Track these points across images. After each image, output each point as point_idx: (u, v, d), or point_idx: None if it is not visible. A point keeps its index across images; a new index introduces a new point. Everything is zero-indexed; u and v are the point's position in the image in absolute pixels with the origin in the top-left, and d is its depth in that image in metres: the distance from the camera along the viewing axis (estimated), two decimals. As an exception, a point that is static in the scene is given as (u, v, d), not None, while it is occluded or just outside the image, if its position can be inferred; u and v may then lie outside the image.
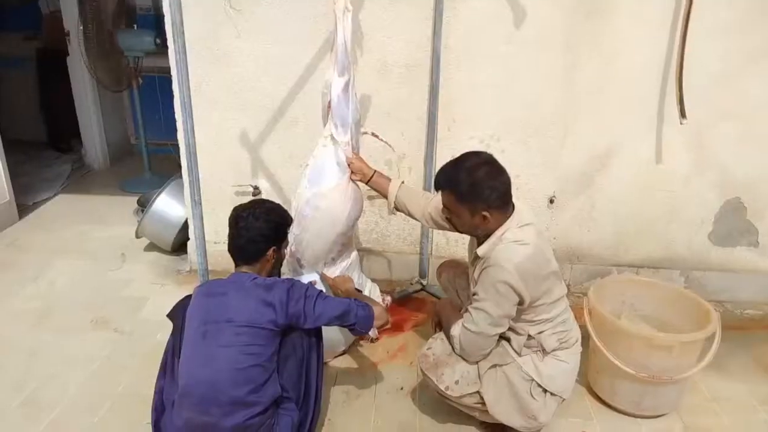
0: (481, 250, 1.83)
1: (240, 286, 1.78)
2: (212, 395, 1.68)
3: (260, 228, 1.83)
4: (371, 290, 2.53)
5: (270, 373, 1.75)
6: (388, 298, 2.64)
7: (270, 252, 1.86)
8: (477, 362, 1.90)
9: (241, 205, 1.91)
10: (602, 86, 2.62)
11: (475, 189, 1.76)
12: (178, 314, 1.94)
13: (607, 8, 2.50)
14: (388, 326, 2.31)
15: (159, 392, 1.89)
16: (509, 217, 1.82)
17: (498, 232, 1.81)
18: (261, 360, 1.72)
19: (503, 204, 1.80)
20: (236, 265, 1.87)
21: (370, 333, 2.49)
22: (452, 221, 1.90)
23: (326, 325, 1.88)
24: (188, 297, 1.96)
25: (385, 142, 2.38)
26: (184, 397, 1.72)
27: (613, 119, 2.67)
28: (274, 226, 1.87)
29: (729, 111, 2.63)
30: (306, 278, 2.28)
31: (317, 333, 1.93)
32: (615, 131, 2.69)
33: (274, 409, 1.77)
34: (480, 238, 1.88)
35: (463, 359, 1.90)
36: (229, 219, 1.87)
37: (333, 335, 2.33)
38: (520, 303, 1.79)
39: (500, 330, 1.83)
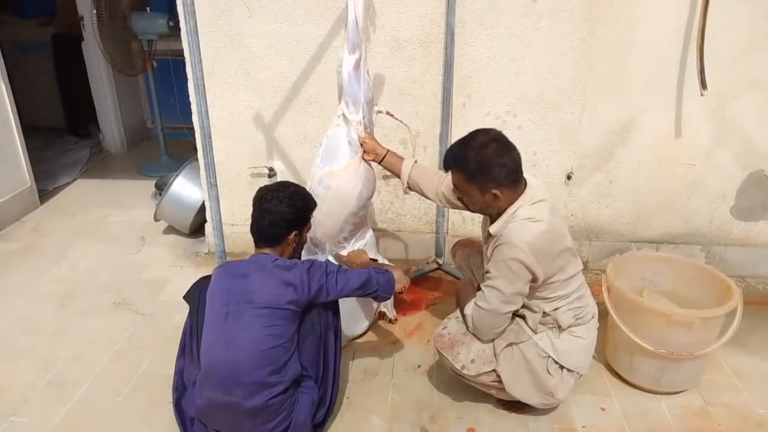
0: (493, 228, 1.82)
1: (261, 267, 1.79)
2: (234, 376, 1.70)
3: (283, 212, 1.83)
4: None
5: (291, 353, 1.77)
6: (407, 279, 2.62)
7: (291, 236, 1.87)
8: (492, 341, 1.89)
9: (266, 186, 1.91)
10: (621, 58, 2.56)
11: (483, 167, 1.74)
12: (194, 296, 1.97)
13: (625, -23, 2.43)
14: (404, 290, 2.30)
15: (179, 372, 1.93)
16: (521, 194, 1.80)
17: (510, 210, 1.79)
18: (282, 341, 1.74)
19: (514, 181, 1.78)
20: (257, 246, 1.88)
21: (388, 313, 2.50)
22: (463, 200, 1.89)
23: (349, 296, 1.90)
24: (205, 278, 1.99)
25: (400, 121, 2.36)
26: (206, 377, 1.75)
27: (632, 92, 2.62)
28: (296, 210, 1.87)
29: (751, 81, 2.56)
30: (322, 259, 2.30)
31: (335, 311, 1.94)
32: (634, 104, 2.64)
33: (295, 388, 1.80)
34: (493, 217, 1.87)
35: (477, 338, 1.90)
36: (254, 200, 1.88)
37: (353, 319, 2.35)
38: (534, 280, 1.78)
39: (513, 308, 1.83)
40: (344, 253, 2.27)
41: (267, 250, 1.86)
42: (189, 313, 1.98)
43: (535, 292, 1.83)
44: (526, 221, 1.75)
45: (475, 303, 1.85)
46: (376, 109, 2.31)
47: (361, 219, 2.31)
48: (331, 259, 2.27)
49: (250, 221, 1.88)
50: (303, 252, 2.32)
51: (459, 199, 1.91)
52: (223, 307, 1.76)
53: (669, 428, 1.98)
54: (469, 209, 1.92)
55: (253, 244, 1.90)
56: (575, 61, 2.56)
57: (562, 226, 1.86)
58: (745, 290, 2.66)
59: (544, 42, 2.54)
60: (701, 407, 2.07)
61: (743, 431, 1.97)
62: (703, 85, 2.47)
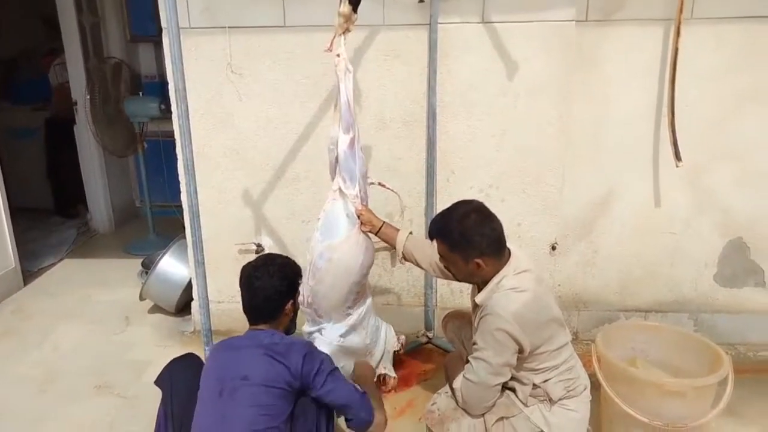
0: (478, 298, 1.83)
1: (257, 344, 1.77)
2: None
3: (276, 285, 1.82)
4: (388, 330, 2.57)
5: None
6: (403, 337, 2.65)
7: (288, 306, 1.87)
8: (482, 415, 1.85)
9: (250, 264, 1.89)
10: (597, 133, 2.68)
11: (465, 237, 1.78)
12: (166, 380, 1.93)
13: (595, 58, 2.58)
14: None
15: None
16: (505, 263, 1.83)
17: (495, 279, 1.81)
18: (277, 422, 1.69)
19: (496, 251, 1.80)
20: (252, 323, 1.85)
21: (389, 373, 2.55)
22: (450, 270, 1.91)
23: (327, 404, 1.83)
24: (175, 360, 1.99)
25: (391, 190, 2.44)
26: None
27: (610, 165, 2.72)
28: (289, 281, 1.87)
29: (724, 152, 2.67)
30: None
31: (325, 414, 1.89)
32: (613, 176, 2.73)
33: None
34: (479, 286, 1.88)
35: (468, 413, 1.86)
36: (242, 279, 1.86)
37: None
38: (521, 351, 1.76)
39: (502, 379, 1.80)
40: (347, 321, 2.30)
41: (262, 326, 1.84)
42: (162, 399, 1.91)
43: (523, 363, 1.82)
44: (510, 291, 1.77)
45: (464, 376, 1.82)
46: (368, 180, 2.40)
47: (362, 287, 2.36)
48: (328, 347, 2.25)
49: (238, 298, 1.87)
50: (306, 321, 2.36)
51: (446, 268, 1.93)
52: (218, 383, 1.73)
53: (671, 506, 1.91)
54: (456, 279, 1.93)
55: (241, 322, 1.88)
56: (554, 136, 2.67)
57: (548, 296, 1.87)
58: (735, 358, 2.64)
59: (522, 119, 2.65)
60: (702, 482, 2.01)
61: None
62: (677, 156, 2.57)
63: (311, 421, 1.81)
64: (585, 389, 1.91)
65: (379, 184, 2.46)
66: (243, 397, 1.69)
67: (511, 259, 1.84)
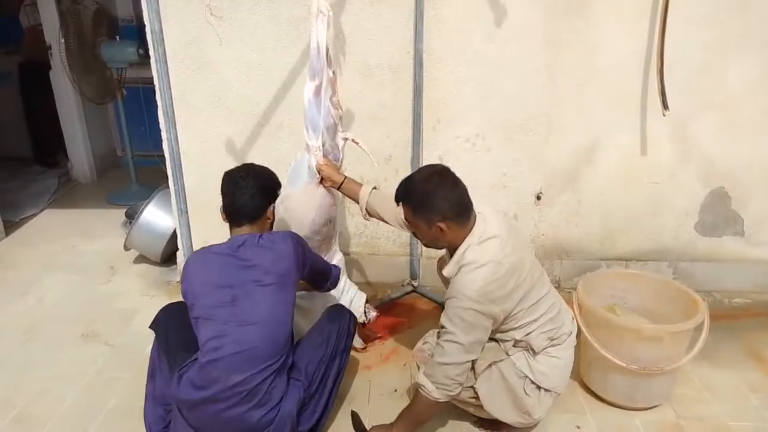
0: (446, 271, 1.84)
1: (253, 244, 1.84)
2: (252, 354, 1.75)
3: (261, 185, 1.91)
4: (356, 298, 2.46)
5: (291, 324, 1.88)
6: (373, 314, 2.50)
7: (270, 209, 1.94)
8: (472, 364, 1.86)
9: (233, 169, 1.96)
10: (584, 81, 2.64)
11: (427, 199, 1.78)
12: (160, 321, 2.00)
13: (584, 4, 2.52)
14: (370, 323, 2.48)
15: (150, 397, 1.94)
16: (470, 229, 1.81)
17: (459, 250, 1.80)
18: (290, 309, 1.85)
19: (458, 215, 1.79)
20: (236, 226, 1.90)
21: (356, 344, 2.42)
22: (416, 236, 1.91)
23: (308, 280, 2.02)
24: (169, 306, 2.06)
25: (364, 150, 2.35)
26: (213, 364, 1.74)
27: (596, 113, 2.69)
28: (271, 183, 1.97)
29: (710, 101, 2.66)
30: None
31: (349, 335, 2.07)
32: (598, 125, 2.71)
33: (286, 374, 1.85)
34: (450, 252, 1.89)
35: (445, 395, 1.82)
36: (226, 181, 1.91)
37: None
38: (494, 321, 1.78)
39: (473, 356, 1.81)
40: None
41: (247, 228, 1.89)
42: (156, 338, 1.97)
43: (500, 326, 1.84)
44: (471, 270, 1.75)
45: (435, 361, 1.80)
46: (342, 135, 2.31)
47: (319, 243, 2.30)
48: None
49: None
50: None
51: (413, 234, 1.93)
52: (226, 291, 1.78)
53: (643, 444, 2.00)
54: (423, 243, 1.94)
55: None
56: (540, 84, 2.63)
57: (517, 257, 1.81)
58: (711, 305, 2.72)
59: (510, 66, 2.61)
60: (674, 422, 2.09)
61: (715, 444, 2.01)
62: (665, 105, 2.56)
63: (329, 357, 1.98)
64: (570, 336, 1.95)
65: (353, 140, 2.33)
66: (259, 297, 1.79)
67: (476, 224, 1.82)
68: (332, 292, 2.29)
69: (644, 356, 2.02)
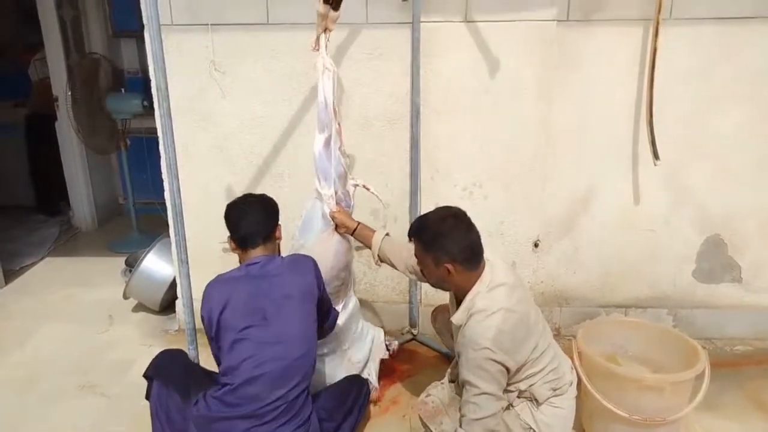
0: (455, 318, 1.84)
1: (273, 264, 1.92)
2: (289, 370, 1.80)
3: (265, 207, 2.02)
4: (376, 336, 2.54)
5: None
6: (395, 343, 2.63)
7: (278, 231, 2.02)
8: None
9: (231, 201, 2.06)
10: (576, 132, 2.70)
11: (438, 239, 1.80)
12: (160, 367, 2.01)
13: (576, 58, 2.61)
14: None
15: None
16: (478, 276, 1.83)
17: (468, 297, 1.81)
18: (315, 324, 1.93)
19: (467, 259, 1.80)
20: (251, 248, 1.95)
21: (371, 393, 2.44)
22: (423, 272, 1.93)
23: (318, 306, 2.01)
24: (165, 352, 2.08)
25: (374, 194, 2.43)
26: (251, 383, 1.77)
27: (589, 163, 2.75)
28: (272, 206, 2.06)
29: (701, 151, 2.71)
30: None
31: (362, 405, 2.13)
32: (592, 175, 2.76)
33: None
34: (457, 297, 1.90)
35: None
36: (230, 212, 2.01)
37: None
38: (507, 371, 1.78)
39: (504, 402, 1.82)
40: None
41: (260, 250, 1.95)
42: (157, 380, 1.95)
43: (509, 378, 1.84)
44: (483, 316, 1.75)
45: (472, 418, 1.75)
46: (352, 182, 2.38)
47: (336, 289, 2.33)
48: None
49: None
50: None
51: (420, 271, 1.94)
52: (256, 311, 1.82)
53: (649, 498, 1.95)
54: (429, 283, 1.95)
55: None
56: (535, 134, 2.69)
57: (523, 308, 1.83)
58: (713, 352, 2.72)
59: (504, 117, 2.67)
60: (679, 474, 2.06)
61: (722, 498, 1.96)
62: (656, 155, 2.62)
63: (348, 393, 2.09)
64: (571, 386, 1.94)
65: (363, 186, 2.43)
66: (291, 313, 1.85)
67: (485, 272, 1.84)
68: (350, 341, 2.38)
69: (646, 406, 2.00)
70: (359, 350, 2.45)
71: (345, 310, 2.38)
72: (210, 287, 1.92)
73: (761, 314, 2.90)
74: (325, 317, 2.09)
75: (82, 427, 2.32)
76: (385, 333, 2.62)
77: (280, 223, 2.07)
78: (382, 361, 2.55)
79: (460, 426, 1.78)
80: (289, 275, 1.91)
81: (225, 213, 2.02)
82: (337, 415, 1.96)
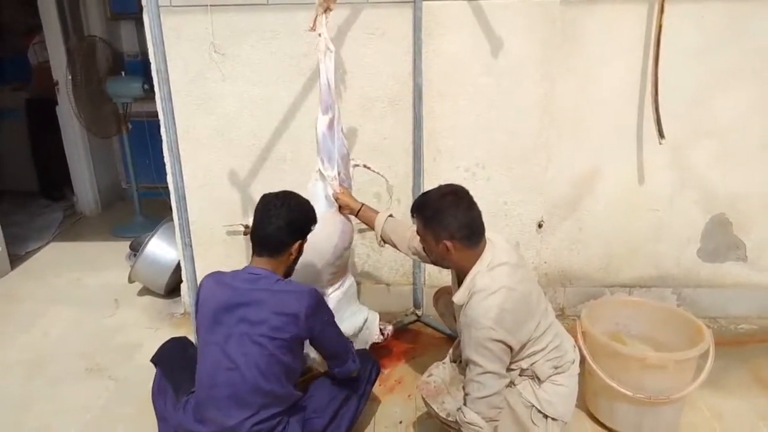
0: (456, 297, 1.85)
1: (266, 286, 1.76)
2: (236, 396, 1.71)
3: (292, 219, 1.82)
4: (370, 320, 2.50)
5: (291, 380, 1.80)
6: (390, 327, 2.60)
7: (295, 246, 1.85)
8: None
9: (271, 193, 1.88)
10: (580, 111, 2.68)
11: (437, 215, 1.81)
12: (163, 357, 2.02)
13: (579, 36, 2.57)
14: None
15: (160, 415, 1.94)
16: (479, 254, 1.83)
17: (469, 276, 1.81)
18: (282, 368, 1.75)
19: (466, 237, 1.80)
20: (257, 255, 1.84)
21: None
22: (423, 248, 1.94)
23: (319, 351, 1.91)
24: (171, 340, 2.07)
25: (377, 172, 2.43)
26: (209, 400, 1.74)
27: (593, 143, 2.73)
28: (303, 219, 1.87)
29: (706, 130, 2.69)
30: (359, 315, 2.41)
31: (366, 390, 2.06)
32: (596, 154, 2.74)
33: (289, 414, 1.82)
34: (459, 277, 1.90)
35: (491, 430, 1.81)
36: (259, 205, 1.86)
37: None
38: (511, 350, 1.79)
39: (507, 380, 1.82)
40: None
41: (266, 261, 1.82)
42: (159, 368, 1.99)
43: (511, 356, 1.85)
44: (484, 297, 1.75)
45: (477, 396, 1.76)
46: (353, 162, 2.38)
47: (338, 268, 2.35)
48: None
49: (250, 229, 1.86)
50: None
51: (423, 248, 1.95)
52: (222, 328, 1.73)
53: (652, 475, 1.97)
54: (430, 260, 1.96)
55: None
56: (538, 114, 2.67)
57: (526, 285, 1.84)
58: (716, 331, 2.72)
59: (507, 97, 2.65)
60: (683, 452, 2.07)
61: (725, 474, 1.98)
62: (661, 134, 2.59)
63: (343, 400, 1.96)
64: (573, 363, 1.95)
65: (364, 166, 2.44)
66: (248, 345, 1.70)
67: (486, 251, 1.83)
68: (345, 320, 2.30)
69: (650, 385, 2.01)
70: (351, 332, 2.40)
71: (342, 288, 2.38)
72: (204, 280, 1.86)
73: (766, 292, 2.90)
74: (331, 361, 1.92)
75: (91, 409, 2.35)
76: (383, 318, 2.59)
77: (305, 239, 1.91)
78: (376, 345, 2.52)
79: (465, 404, 1.80)
80: (269, 308, 1.72)
81: (259, 201, 1.87)
82: (337, 401, 1.95)
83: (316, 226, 2.16)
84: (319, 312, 1.81)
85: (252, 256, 1.87)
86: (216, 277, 1.86)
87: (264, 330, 1.71)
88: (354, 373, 1.96)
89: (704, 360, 2.05)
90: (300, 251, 1.91)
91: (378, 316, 2.55)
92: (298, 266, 2.18)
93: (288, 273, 1.94)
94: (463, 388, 1.84)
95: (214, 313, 1.77)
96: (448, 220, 1.79)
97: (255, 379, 1.71)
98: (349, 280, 2.45)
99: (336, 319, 1.95)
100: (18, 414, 2.33)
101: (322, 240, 2.23)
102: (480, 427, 1.76)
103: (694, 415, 2.22)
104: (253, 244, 1.86)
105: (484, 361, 1.75)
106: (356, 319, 2.45)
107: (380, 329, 2.51)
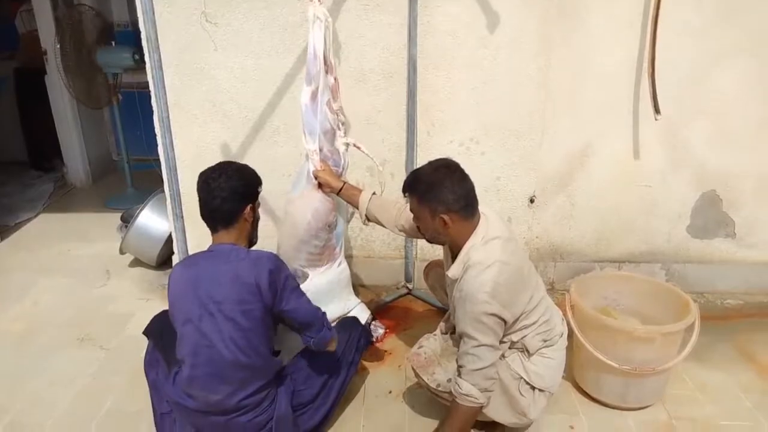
0: (450, 272, 1.85)
1: (224, 261, 1.76)
2: (219, 375, 1.73)
3: (233, 186, 1.79)
4: (357, 310, 2.44)
5: (268, 349, 1.81)
6: (381, 330, 2.57)
7: (247, 210, 1.83)
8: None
9: (208, 168, 1.85)
10: (577, 86, 2.67)
11: (433, 189, 1.79)
12: (154, 329, 2.02)
13: (577, 10, 2.55)
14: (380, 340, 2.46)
15: (152, 385, 1.97)
16: (474, 227, 1.83)
17: (464, 250, 1.82)
18: (257, 340, 1.75)
19: (463, 209, 1.80)
20: (214, 232, 1.83)
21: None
22: (419, 227, 1.92)
23: (289, 324, 1.88)
24: (163, 313, 2.03)
25: (367, 154, 2.37)
26: (193, 379, 1.76)
27: (588, 118, 2.72)
28: (246, 183, 1.85)
29: (701, 107, 2.69)
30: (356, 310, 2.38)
31: (358, 350, 2.08)
32: (591, 130, 2.74)
33: (276, 385, 1.85)
34: (452, 251, 1.90)
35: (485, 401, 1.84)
36: (199, 184, 1.83)
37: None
38: (505, 323, 1.81)
39: (500, 352, 1.85)
40: (308, 284, 2.24)
41: (225, 235, 1.81)
42: (151, 340, 2.01)
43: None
44: (479, 271, 1.76)
45: (471, 369, 1.79)
46: (343, 140, 2.31)
47: (318, 249, 2.28)
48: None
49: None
50: None
51: (417, 227, 1.94)
52: (194, 308, 1.74)
53: (636, 444, 2.02)
54: (425, 238, 1.94)
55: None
56: (534, 89, 2.66)
57: (517, 260, 1.86)
58: (703, 306, 2.76)
59: (503, 72, 2.63)
60: (666, 422, 2.11)
61: (707, 444, 2.02)
62: (657, 109, 2.59)
63: (332, 369, 1.98)
64: (561, 337, 1.98)
65: (354, 145, 2.35)
66: (220, 322, 1.71)
67: (480, 225, 1.84)
68: (327, 301, 2.25)
69: (637, 357, 2.04)
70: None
71: (327, 274, 2.34)
72: (174, 269, 1.85)
73: (752, 269, 2.94)
74: (302, 328, 1.87)
75: (83, 378, 2.36)
76: (374, 291, 2.56)
77: (258, 200, 1.89)
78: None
79: (459, 376, 1.82)
80: (232, 281, 1.72)
81: (197, 180, 1.85)
82: (326, 370, 1.97)
83: (294, 202, 2.16)
84: (279, 276, 1.78)
85: (212, 236, 1.85)
86: (183, 261, 1.88)
87: (231, 305, 1.72)
88: (331, 343, 1.92)
89: (690, 333, 2.08)
90: (255, 214, 1.89)
91: (369, 315, 2.48)
92: (280, 239, 2.18)
93: (251, 240, 1.92)
94: (457, 361, 1.86)
95: (184, 296, 1.78)
96: (444, 193, 1.78)
97: (234, 355, 1.72)
98: (339, 269, 2.39)
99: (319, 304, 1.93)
100: (9, 383, 2.34)
101: (296, 217, 2.22)
102: (475, 398, 1.79)
103: (678, 386, 2.26)
104: (207, 224, 1.84)
105: (479, 334, 1.77)
106: (340, 306, 2.39)
107: (371, 329, 2.44)
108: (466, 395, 1.79)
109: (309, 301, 1.88)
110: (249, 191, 1.86)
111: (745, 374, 2.36)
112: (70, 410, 2.19)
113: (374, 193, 2.26)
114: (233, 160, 2.75)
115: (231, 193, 1.79)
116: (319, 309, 1.90)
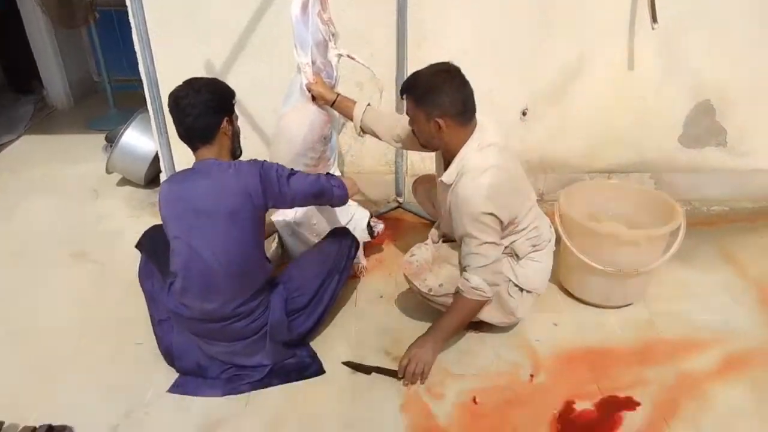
0: (445, 176, 1.85)
1: (206, 176, 1.75)
2: (212, 285, 1.77)
3: (205, 101, 1.75)
4: (357, 216, 2.47)
5: (259, 256, 1.84)
6: (381, 225, 2.57)
7: (224, 124, 1.79)
8: (460, 268, 1.92)
9: (176, 87, 1.80)
10: (572, -7, 2.57)
11: (430, 92, 1.77)
12: (146, 243, 2.06)
13: None
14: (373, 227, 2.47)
15: (149, 294, 2.02)
16: (470, 133, 1.82)
17: (459, 156, 1.82)
18: (247, 246, 1.79)
19: (459, 113, 1.79)
20: (195, 150, 1.81)
21: (362, 262, 2.49)
22: (413, 130, 1.91)
23: (303, 204, 1.93)
24: (154, 227, 2.08)
25: (362, 64, 2.31)
26: (186, 289, 1.79)
27: (584, 28, 2.65)
28: (218, 96, 1.80)
29: (699, 16, 2.62)
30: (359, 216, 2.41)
31: (350, 257, 2.12)
32: (587, 40, 2.68)
33: (268, 291, 1.89)
34: (446, 159, 1.89)
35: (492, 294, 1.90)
36: (169, 104, 1.77)
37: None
38: (501, 224, 1.83)
39: (502, 248, 1.89)
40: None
41: (205, 151, 1.79)
42: (144, 253, 2.03)
43: None
44: (475, 176, 1.77)
45: (478, 267, 1.84)
46: (336, 51, 2.23)
47: (314, 162, 2.27)
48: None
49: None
50: None
51: (412, 130, 1.92)
52: (185, 220, 1.75)
53: (616, 338, 2.10)
54: (419, 142, 1.93)
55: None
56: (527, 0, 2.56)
57: (512, 167, 1.88)
58: (690, 212, 2.80)
59: (495, -22, 2.53)
60: (646, 318, 2.19)
61: (683, 335, 2.10)
62: (654, 18, 2.51)
63: (326, 274, 2.03)
64: (549, 242, 2.02)
65: (349, 56, 2.26)
66: (210, 232, 1.73)
67: (476, 131, 1.83)
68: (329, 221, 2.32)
69: (622, 260, 2.09)
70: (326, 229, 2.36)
71: None
72: (162, 186, 1.85)
73: (741, 176, 2.97)
74: (316, 201, 1.94)
75: (79, 291, 2.39)
76: (366, 207, 2.57)
77: (234, 112, 1.86)
78: (366, 243, 2.51)
79: (464, 276, 1.87)
80: (217, 192, 1.73)
81: (167, 101, 1.79)
82: (318, 278, 2.00)
83: (288, 116, 2.12)
84: (270, 175, 1.78)
85: (194, 155, 1.82)
86: (169, 179, 1.87)
87: (222, 216, 1.72)
88: (347, 191, 1.99)
89: (675, 237, 2.11)
90: (234, 127, 1.86)
91: (368, 214, 2.50)
92: (272, 153, 2.17)
93: (234, 153, 1.89)
94: (461, 263, 1.90)
95: (173, 212, 1.78)
96: (441, 97, 1.76)
97: (225, 266, 1.75)
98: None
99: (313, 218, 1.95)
100: (5, 299, 2.36)
101: (290, 131, 2.18)
102: (484, 291, 1.85)
103: (660, 285, 2.32)
104: (186, 143, 1.80)
105: (479, 233, 1.80)
106: (341, 217, 2.42)
107: (371, 227, 2.47)
108: (475, 288, 1.84)
109: (307, 175, 1.91)
110: (222, 104, 1.81)
111: (725, 274, 2.43)
112: (70, 317, 2.23)
113: (369, 105, 2.22)
114: (216, 77, 2.72)
115: (204, 108, 1.74)
116: (319, 176, 1.93)
